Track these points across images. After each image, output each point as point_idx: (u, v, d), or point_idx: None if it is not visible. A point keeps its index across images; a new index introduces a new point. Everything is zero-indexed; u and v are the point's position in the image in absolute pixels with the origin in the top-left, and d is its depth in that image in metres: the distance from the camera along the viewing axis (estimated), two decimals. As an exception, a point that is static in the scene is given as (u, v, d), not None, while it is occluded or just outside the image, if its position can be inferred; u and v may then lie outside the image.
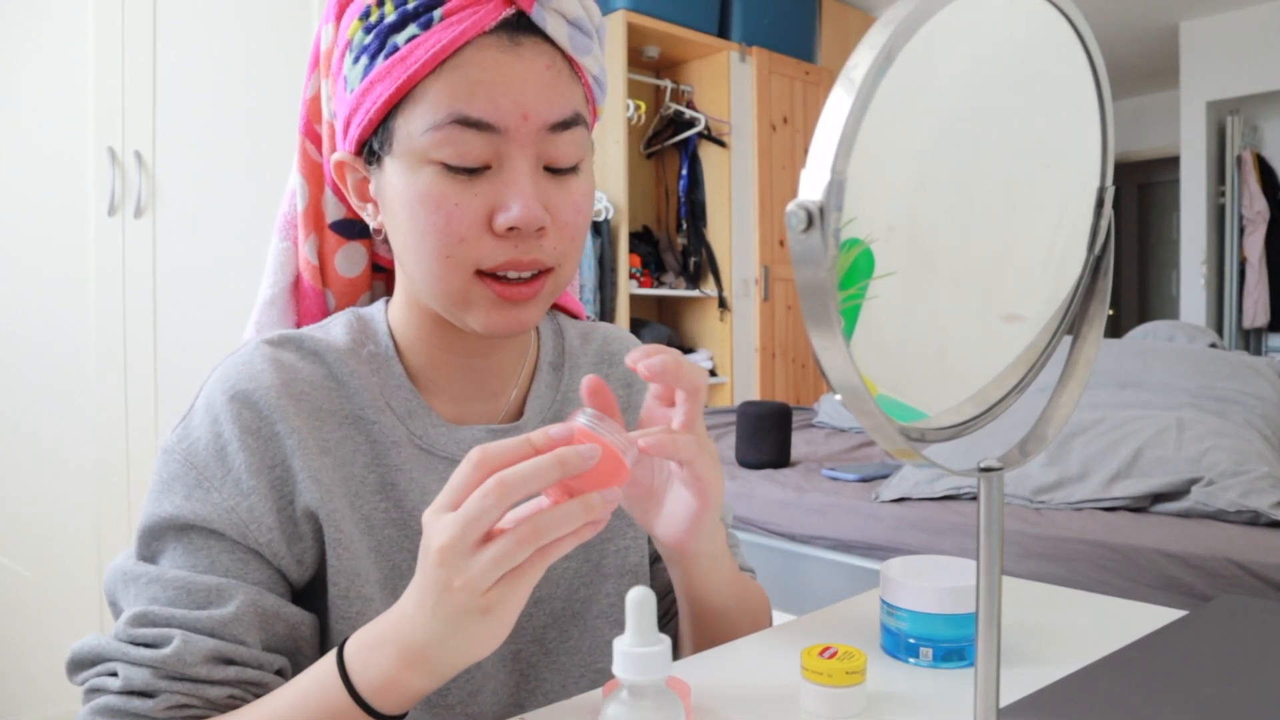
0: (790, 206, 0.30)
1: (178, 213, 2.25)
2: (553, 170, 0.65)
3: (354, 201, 0.71)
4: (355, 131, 0.66)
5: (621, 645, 0.44)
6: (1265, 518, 1.72)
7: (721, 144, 3.95)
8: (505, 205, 0.62)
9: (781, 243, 4.10)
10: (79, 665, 0.61)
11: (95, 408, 2.14)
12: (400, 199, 0.64)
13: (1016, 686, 0.59)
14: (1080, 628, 0.74)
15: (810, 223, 0.30)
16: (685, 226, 3.98)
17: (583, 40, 0.66)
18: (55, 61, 2.19)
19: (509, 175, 0.63)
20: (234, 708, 0.60)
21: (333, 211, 0.78)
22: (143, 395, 2.21)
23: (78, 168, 2.15)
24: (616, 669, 0.44)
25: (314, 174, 0.78)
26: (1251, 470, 1.83)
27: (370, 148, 0.66)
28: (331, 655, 0.56)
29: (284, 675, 0.63)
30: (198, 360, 2.27)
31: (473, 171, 0.62)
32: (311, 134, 0.77)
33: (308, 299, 0.78)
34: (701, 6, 3.87)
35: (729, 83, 3.95)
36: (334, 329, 0.72)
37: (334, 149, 0.72)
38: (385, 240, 0.73)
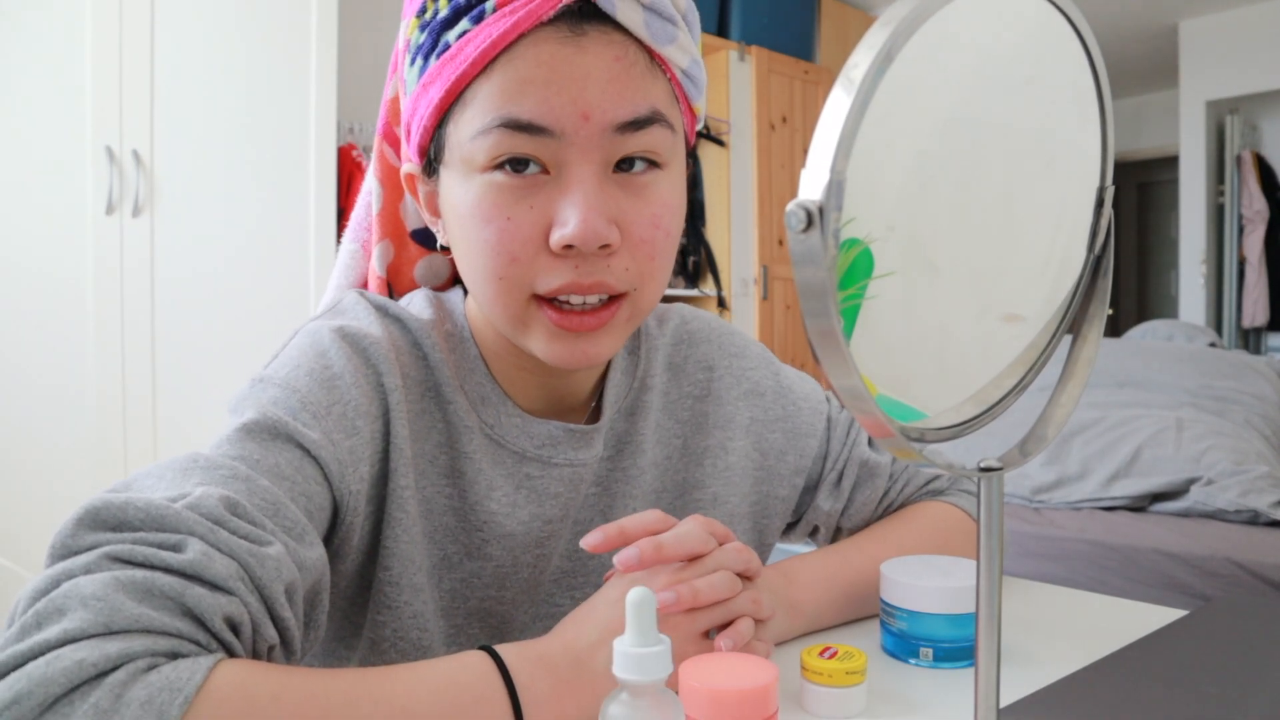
0: (790, 206, 0.30)
1: (175, 212, 2.26)
2: (627, 174, 0.57)
3: (425, 216, 0.65)
4: (415, 139, 0.62)
5: (621, 645, 0.43)
6: (1264, 517, 1.72)
7: (720, 143, 3.92)
8: (561, 220, 0.55)
9: (781, 242, 4.10)
10: (102, 524, 0.45)
11: (93, 407, 2.14)
12: (454, 213, 0.59)
13: (1016, 686, 0.59)
14: (1080, 628, 0.74)
15: (810, 223, 0.30)
16: (684, 226, 3.97)
17: (663, 28, 0.57)
18: (53, 60, 2.19)
19: (566, 184, 0.55)
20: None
21: (413, 219, 0.72)
22: (140, 394, 2.21)
23: (75, 167, 2.15)
24: (616, 669, 0.43)
25: (391, 178, 0.72)
26: (1251, 470, 1.83)
27: (428, 158, 0.61)
28: (474, 657, 0.50)
29: None
30: (196, 359, 2.27)
31: (528, 177, 0.56)
32: (390, 137, 0.72)
33: None
34: (700, 5, 3.85)
35: (728, 82, 3.94)
36: (416, 300, 0.68)
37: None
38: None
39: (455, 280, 0.76)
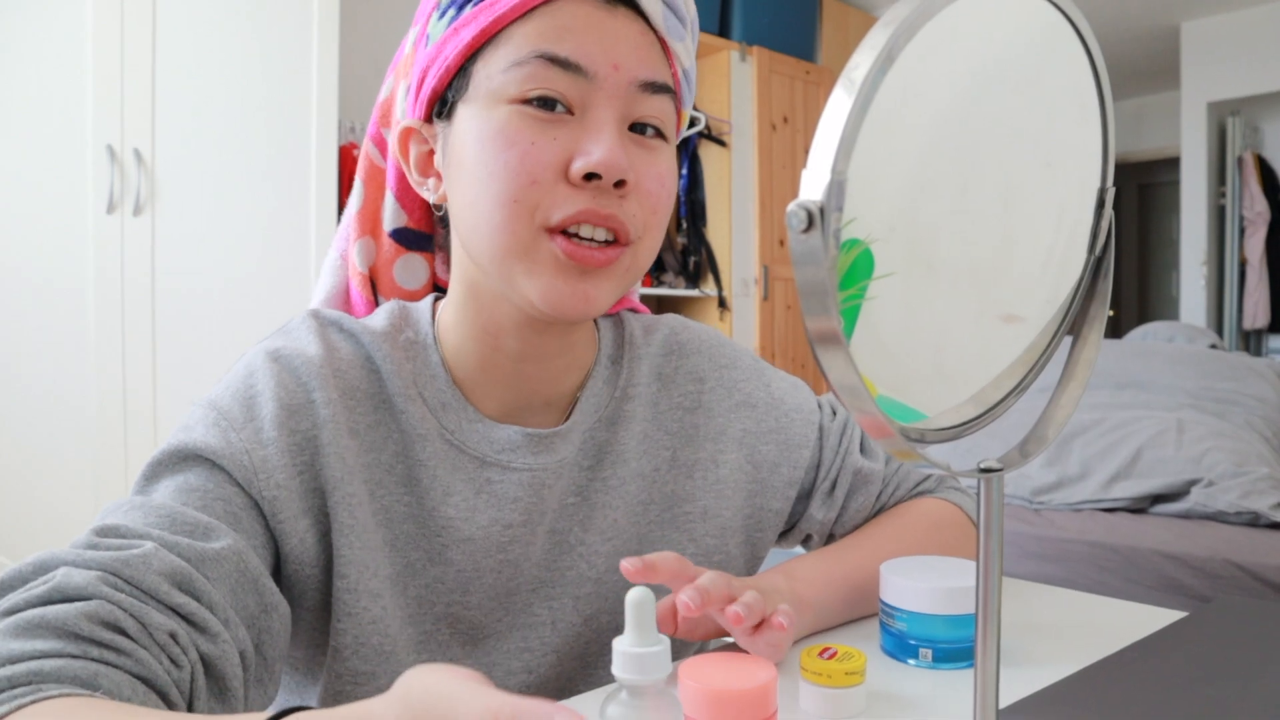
0: (790, 206, 0.30)
1: (176, 211, 2.26)
2: (639, 133, 0.62)
3: (414, 179, 0.68)
4: (431, 82, 0.64)
5: (621, 645, 0.43)
6: (1265, 519, 1.72)
7: (722, 144, 3.95)
8: (585, 150, 0.59)
9: (781, 242, 4.10)
10: (5, 589, 0.50)
11: (94, 407, 2.14)
12: (468, 147, 0.61)
13: (1016, 687, 0.59)
14: (1080, 628, 0.74)
15: (810, 223, 0.30)
16: (685, 226, 3.98)
17: (675, 24, 0.64)
18: (54, 59, 2.19)
19: (592, 122, 0.60)
20: (171, 654, 0.49)
21: (391, 219, 0.74)
22: (141, 394, 2.21)
23: (76, 165, 2.15)
24: (616, 669, 0.43)
25: (375, 179, 0.75)
26: (1251, 471, 1.83)
27: (444, 100, 0.64)
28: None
29: (245, 659, 0.54)
30: (196, 358, 2.27)
31: (554, 114, 0.59)
32: (379, 139, 0.74)
33: (356, 308, 0.75)
34: (702, 6, 3.87)
35: (729, 82, 3.95)
36: (375, 315, 0.70)
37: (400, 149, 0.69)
38: (444, 222, 0.70)
39: (433, 284, 0.77)
